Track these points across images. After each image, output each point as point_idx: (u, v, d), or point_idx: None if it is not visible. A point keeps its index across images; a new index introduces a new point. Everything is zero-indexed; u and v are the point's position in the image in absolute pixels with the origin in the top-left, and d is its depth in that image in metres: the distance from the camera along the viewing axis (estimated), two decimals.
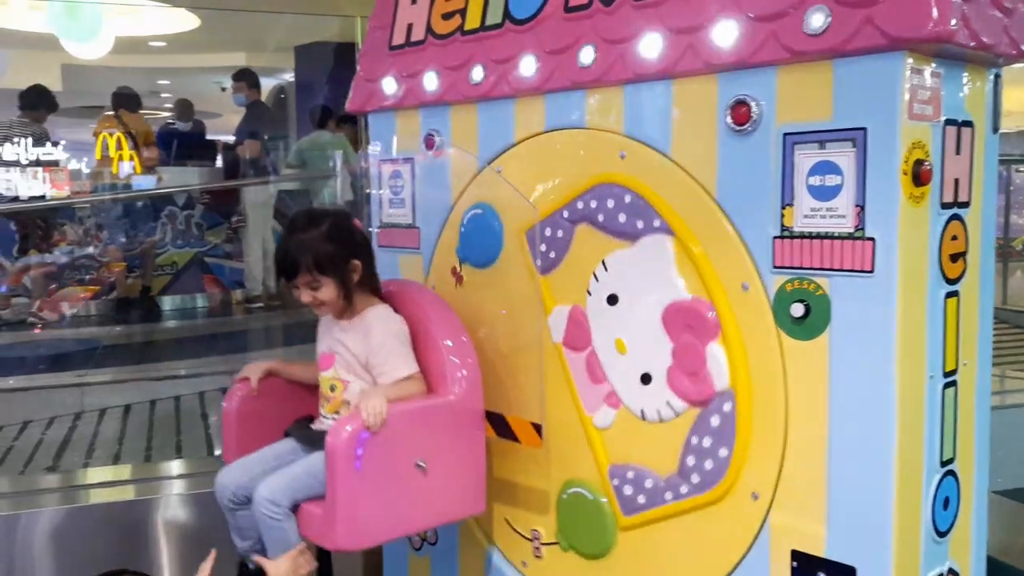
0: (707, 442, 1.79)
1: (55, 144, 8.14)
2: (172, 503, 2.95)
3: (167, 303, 6.34)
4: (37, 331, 5.63)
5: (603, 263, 1.96)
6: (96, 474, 3.28)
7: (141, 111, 8.04)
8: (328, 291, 2.06)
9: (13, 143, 8.01)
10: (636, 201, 1.88)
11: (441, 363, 2.08)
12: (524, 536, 2.18)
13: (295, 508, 2.00)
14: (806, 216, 1.62)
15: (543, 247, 2.09)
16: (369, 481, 1.90)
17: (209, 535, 2.84)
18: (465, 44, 2.17)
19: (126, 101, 7.53)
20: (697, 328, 1.79)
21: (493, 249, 2.19)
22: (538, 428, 2.07)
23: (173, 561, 2.89)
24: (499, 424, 2.16)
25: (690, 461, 1.82)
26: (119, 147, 7.71)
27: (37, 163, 8.26)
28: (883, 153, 1.52)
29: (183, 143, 7.45)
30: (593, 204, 1.97)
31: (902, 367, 1.56)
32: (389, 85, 2.36)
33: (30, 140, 7.95)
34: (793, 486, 1.69)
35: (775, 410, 1.69)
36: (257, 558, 2.01)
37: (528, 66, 2.02)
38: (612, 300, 1.95)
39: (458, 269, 2.30)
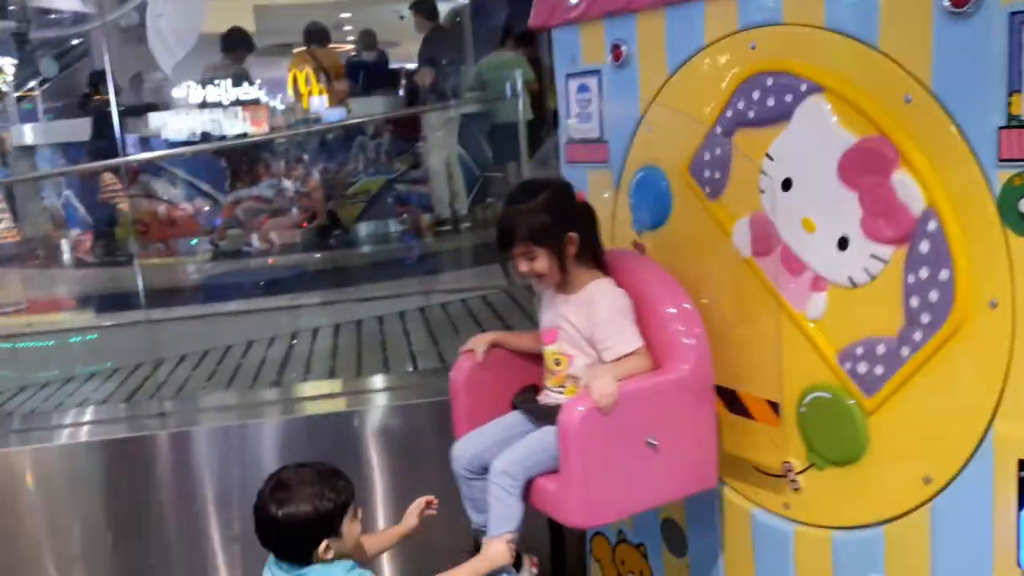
0: (925, 273, 1.67)
1: (252, 83, 8.64)
2: (380, 414, 3.14)
3: (362, 229, 6.66)
4: (251, 259, 6.09)
5: (767, 156, 1.92)
6: (312, 388, 3.55)
7: (330, 45, 8.34)
8: (543, 262, 2.04)
9: (216, 85, 8.57)
10: (778, 79, 1.86)
11: (667, 335, 2.03)
12: (774, 474, 2.05)
13: (529, 483, 2.02)
14: None
15: (707, 172, 2.07)
16: (602, 460, 1.91)
17: (411, 442, 3.04)
18: None
19: (316, 37, 7.82)
20: (876, 164, 1.70)
21: (665, 202, 2.19)
22: (775, 406, 1.99)
23: (380, 465, 3.10)
24: (731, 400, 2.09)
25: (914, 302, 1.70)
26: (309, 82, 8.07)
27: (238, 103, 8.83)
28: None
29: (368, 74, 7.67)
30: (740, 105, 1.95)
31: None
32: None
33: (231, 81, 8.47)
34: (1020, 389, 1.58)
35: (1002, 316, 1.59)
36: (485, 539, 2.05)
37: None
38: (786, 185, 1.91)
39: (639, 240, 2.29)
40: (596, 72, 2.36)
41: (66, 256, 6.22)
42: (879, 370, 1.78)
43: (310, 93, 8.05)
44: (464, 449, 2.17)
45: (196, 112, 8.82)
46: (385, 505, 3.08)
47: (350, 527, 1.87)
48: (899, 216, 1.69)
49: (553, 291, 2.16)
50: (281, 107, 8.85)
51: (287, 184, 6.94)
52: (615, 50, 2.27)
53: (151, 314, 3.29)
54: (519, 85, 4.76)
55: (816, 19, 1.79)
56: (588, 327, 2.06)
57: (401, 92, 7.71)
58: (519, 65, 5.92)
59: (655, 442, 1.95)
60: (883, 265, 1.74)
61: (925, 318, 1.69)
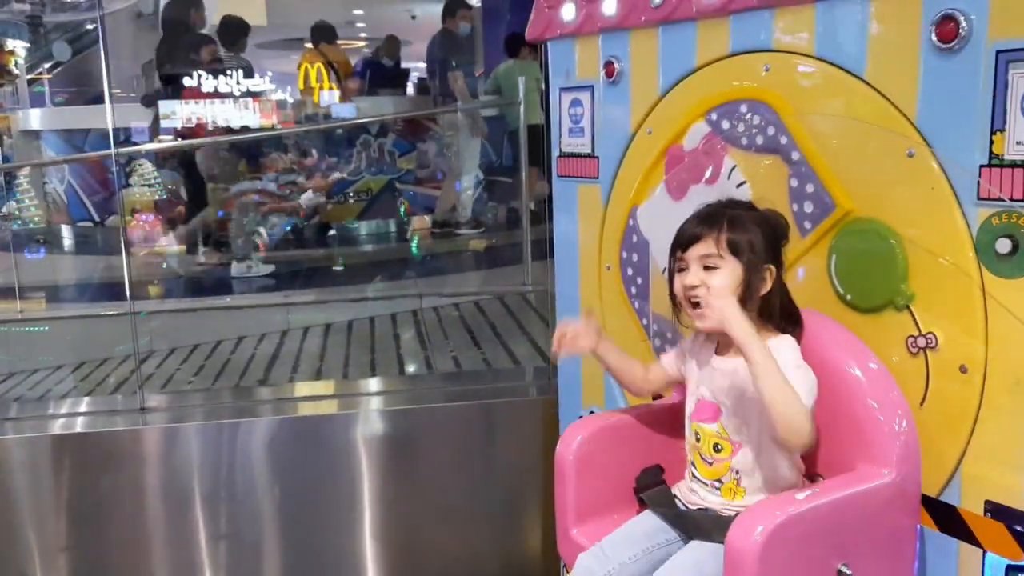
0: (754, 133, 1.92)
1: (253, 75, 8.62)
2: (369, 417, 3.13)
3: (363, 228, 6.66)
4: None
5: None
6: (300, 389, 3.54)
7: (339, 42, 8.35)
8: (724, 279, 1.62)
9: (227, 76, 8.56)
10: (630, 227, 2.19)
11: (860, 415, 1.60)
12: None
13: None
14: (1020, 143, 1.47)
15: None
16: None
17: (401, 446, 3.04)
18: None
19: (325, 34, 7.83)
20: (673, 162, 2.07)
21: None
22: (1019, 534, 1.51)
23: (370, 470, 3.09)
24: (944, 515, 1.64)
25: (759, 141, 1.92)
26: (320, 78, 8.08)
27: (247, 94, 8.82)
28: None
29: (377, 73, 7.69)
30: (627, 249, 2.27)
31: None
32: (568, 12, 2.33)
33: (240, 73, 8.46)
34: (990, 430, 1.57)
35: (975, 351, 1.57)
36: None
37: None
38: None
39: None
40: (589, 87, 2.35)
41: (67, 243, 6.24)
42: (809, 188, 1.81)
43: (321, 88, 8.06)
44: (597, 564, 1.69)
45: (203, 103, 8.80)
46: (372, 510, 3.07)
47: None
48: (707, 151, 2.00)
49: (709, 349, 1.75)
50: (290, 100, 8.85)
51: (291, 178, 6.94)
52: (608, 66, 2.26)
53: (138, 306, 3.28)
54: (520, 92, 4.76)
55: (807, 48, 1.78)
56: None
57: (410, 92, 7.72)
58: (531, 71, 5.93)
59: (848, 571, 1.52)
60: (739, 172, 1.93)
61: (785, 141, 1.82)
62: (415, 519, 3.07)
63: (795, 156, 1.82)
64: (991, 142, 1.50)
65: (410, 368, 3.87)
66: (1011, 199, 1.48)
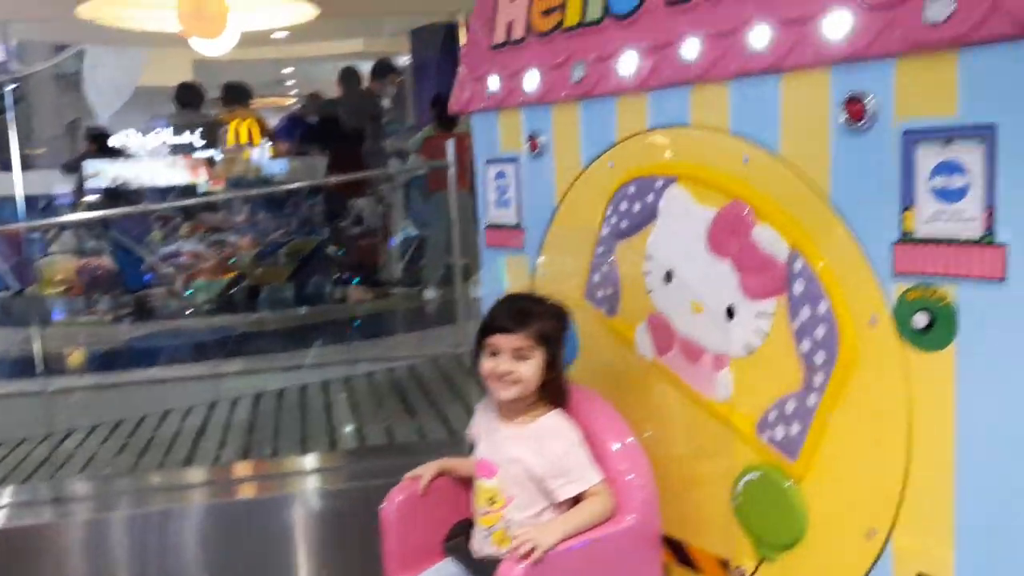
0: (806, 312, 1.69)
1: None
2: (302, 499, 3.03)
3: (292, 291, 6.55)
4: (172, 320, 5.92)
5: (646, 257, 2.03)
6: (230, 471, 3.42)
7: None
8: (532, 368, 1.90)
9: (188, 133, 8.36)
10: (646, 182, 2.00)
11: (611, 476, 1.89)
12: None
13: None
14: (929, 220, 1.50)
15: (601, 292, 2.16)
16: None
17: (338, 528, 2.95)
18: (566, 41, 2.11)
19: (236, 95, 7.72)
20: (736, 226, 1.79)
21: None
22: (725, 564, 1.90)
23: (307, 554, 2.99)
24: (678, 552, 1.99)
25: (806, 345, 1.70)
26: (249, 136, 7.99)
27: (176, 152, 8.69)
28: (1016, 151, 1.39)
29: (306, 134, 7.62)
30: (615, 212, 2.08)
31: None
32: (491, 84, 2.34)
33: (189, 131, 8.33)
34: (918, 503, 1.58)
35: (899, 424, 1.59)
36: None
37: (629, 63, 1.96)
38: (668, 278, 1.98)
39: None
40: (514, 160, 2.36)
41: None
42: (795, 428, 1.74)
43: (251, 146, 7.96)
44: None
45: (134, 162, 8.63)
46: None
47: None
48: (769, 266, 1.74)
49: (495, 417, 2.01)
50: (217, 158, 8.75)
51: (219, 240, 6.82)
52: (531, 140, 2.27)
53: (52, 383, 3.14)
54: (449, 153, 4.78)
55: (722, 124, 1.81)
56: (541, 464, 1.89)
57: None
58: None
59: None
60: (770, 320, 1.76)
61: (820, 358, 1.68)
62: None
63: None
64: (902, 219, 1.53)
65: (343, 443, 3.77)
66: (923, 273, 1.51)
